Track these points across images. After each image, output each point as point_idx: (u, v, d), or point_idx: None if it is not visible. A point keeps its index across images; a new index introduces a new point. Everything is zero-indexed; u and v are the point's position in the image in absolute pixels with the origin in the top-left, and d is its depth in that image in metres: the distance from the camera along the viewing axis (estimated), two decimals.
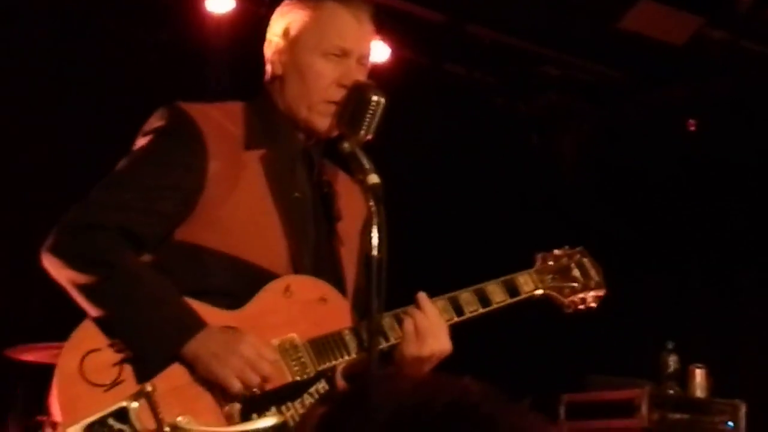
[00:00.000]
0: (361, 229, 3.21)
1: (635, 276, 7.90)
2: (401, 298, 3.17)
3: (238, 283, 3.03)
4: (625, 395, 6.82)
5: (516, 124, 8.88)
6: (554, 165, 8.99)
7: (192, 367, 2.91)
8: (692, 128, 8.58)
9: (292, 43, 3.20)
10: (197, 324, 2.92)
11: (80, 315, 2.96)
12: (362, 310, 3.07)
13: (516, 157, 8.85)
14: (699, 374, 7.02)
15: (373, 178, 2.98)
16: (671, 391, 6.99)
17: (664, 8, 7.38)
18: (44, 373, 2.96)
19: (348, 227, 3.25)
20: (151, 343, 2.89)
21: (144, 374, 2.88)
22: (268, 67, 3.26)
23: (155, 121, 3.12)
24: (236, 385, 2.90)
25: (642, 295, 8.14)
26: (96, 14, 7.15)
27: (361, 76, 3.19)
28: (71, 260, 2.94)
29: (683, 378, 7.05)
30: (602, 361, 7.58)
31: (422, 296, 3.18)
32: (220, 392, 2.92)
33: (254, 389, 2.92)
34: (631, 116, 8.74)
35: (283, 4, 3.29)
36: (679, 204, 8.57)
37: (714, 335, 8.16)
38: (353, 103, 3.11)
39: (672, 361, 7.03)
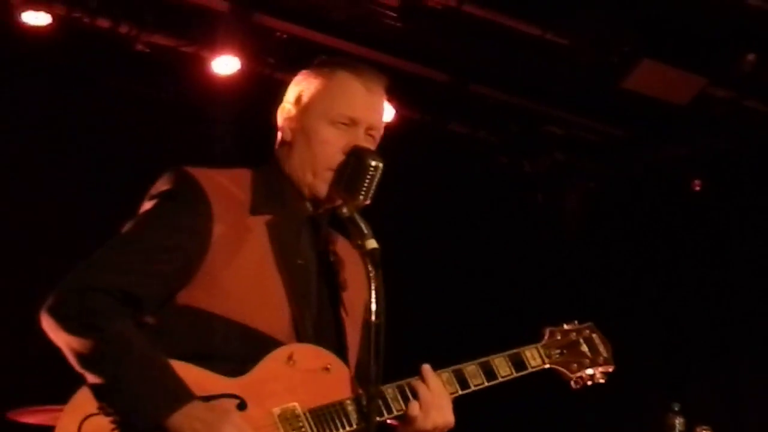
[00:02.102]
0: (365, 300, 3.20)
1: (640, 337, 7.87)
2: (405, 368, 3.15)
3: (240, 348, 3.01)
4: None
5: (520, 184, 8.89)
6: (559, 224, 8.98)
7: None
8: (697, 188, 8.58)
9: (302, 110, 3.22)
10: (184, 396, 2.88)
11: (81, 377, 2.95)
12: (365, 380, 3.05)
13: (521, 216, 8.85)
14: None
15: (372, 243, 2.99)
16: None
17: (667, 68, 7.40)
18: None
19: (353, 297, 3.23)
20: (136, 411, 2.86)
21: None
22: (279, 134, 3.28)
23: (161, 185, 3.13)
24: None
25: (647, 356, 8.09)
26: (101, 72, 7.19)
27: (369, 147, 3.18)
28: (66, 323, 2.93)
29: None
30: (608, 423, 7.54)
31: (426, 368, 3.16)
32: None
33: None
34: (635, 175, 8.75)
35: (300, 73, 3.31)
36: (685, 263, 8.54)
37: (720, 396, 8.11)
38: (351, 167, 3.11)
39: (678, 423, 6.98)
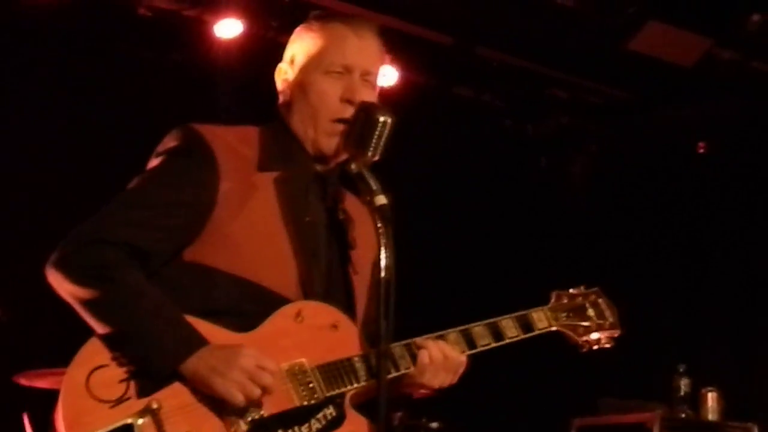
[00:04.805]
0: (374, 259, 3.14)
1: (646, 298, 7.86)
2: (412, 328, 3.15)
3: (246, 305, 3.00)
4: (637, 418, 6.80)
5: (524, 147, 8.87)
6: (563, 187, 8.97)
7: (192, 384, 2.88)
8: (702, 151, 8.55)
9: (297, 67, 3.22)
10: (197, 341, 2.89)
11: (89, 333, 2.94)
12: (372, 339, 3.06)
13: (525, 179, 8.84)
14: (711, 397, 6.99)
15: (381, 199, 2.98)
16: (683, 415, 6.96)
17: (672, 29, 7.37)
18: (53, 400, 2.92)
19: (362, 256, 3.22)
20: (150, 359, 2.86)
21: (146, 390, 2.86)
22: (279, 94, 3.27)
23: (168, 142, 3.11)
24: (238, 397, 2.86)
25: (653, 317, 8.10)
26: (104, 37, 7.16)
27: (367, 93, 3.17)
28: (73, 274, 2.92)
29: (695, 401, 7.02)
30: (614, 384, 7.55)
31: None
32: (227, 413, 2.89)
33: (256, 400, 2.88)
34: (640, 138, 8.72)
35: (294, 31, 3.30)
36: (690, 226, 8.53)
37: (726, 358, 8.12)
38: (360, 123, 3.09)
39: (684, 384, 7.01)
